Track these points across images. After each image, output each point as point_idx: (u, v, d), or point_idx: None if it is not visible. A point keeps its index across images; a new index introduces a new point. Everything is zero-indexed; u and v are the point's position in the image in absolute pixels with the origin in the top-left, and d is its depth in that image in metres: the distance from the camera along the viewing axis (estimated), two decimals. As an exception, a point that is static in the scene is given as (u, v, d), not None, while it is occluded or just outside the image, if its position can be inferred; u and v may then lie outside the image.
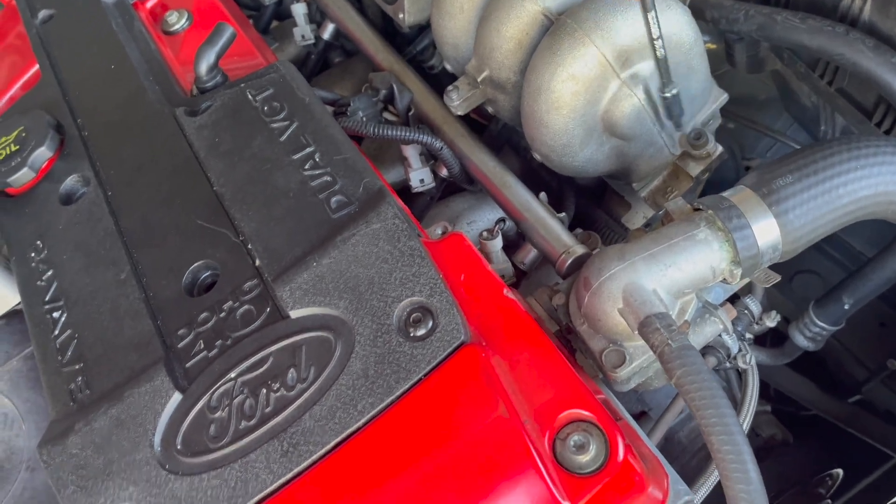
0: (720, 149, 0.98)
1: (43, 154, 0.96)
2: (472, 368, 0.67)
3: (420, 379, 0.67)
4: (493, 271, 0.74)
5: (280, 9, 1.48)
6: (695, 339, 0.87)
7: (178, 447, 0.70)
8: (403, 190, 1.13)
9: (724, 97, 1.01)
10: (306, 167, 0.83)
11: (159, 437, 0.71)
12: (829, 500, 1.18)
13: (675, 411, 1.01)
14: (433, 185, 1.08)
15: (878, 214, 0.80)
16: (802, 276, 1.49)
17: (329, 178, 0.81)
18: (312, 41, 1.33)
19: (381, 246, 0.73)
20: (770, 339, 1.42)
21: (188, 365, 0.74)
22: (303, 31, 1.32)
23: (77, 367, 0.78)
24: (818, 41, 0.90)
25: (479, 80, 0.99)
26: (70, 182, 0.94)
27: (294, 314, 0.73)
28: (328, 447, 0.66)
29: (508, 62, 0.95)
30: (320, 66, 1.39)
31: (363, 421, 0.67)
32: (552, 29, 0.89)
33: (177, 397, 0.72)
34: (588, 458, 0.65)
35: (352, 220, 0.77)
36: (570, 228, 1.08)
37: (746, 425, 0.88)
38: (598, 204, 1.17)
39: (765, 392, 1.47)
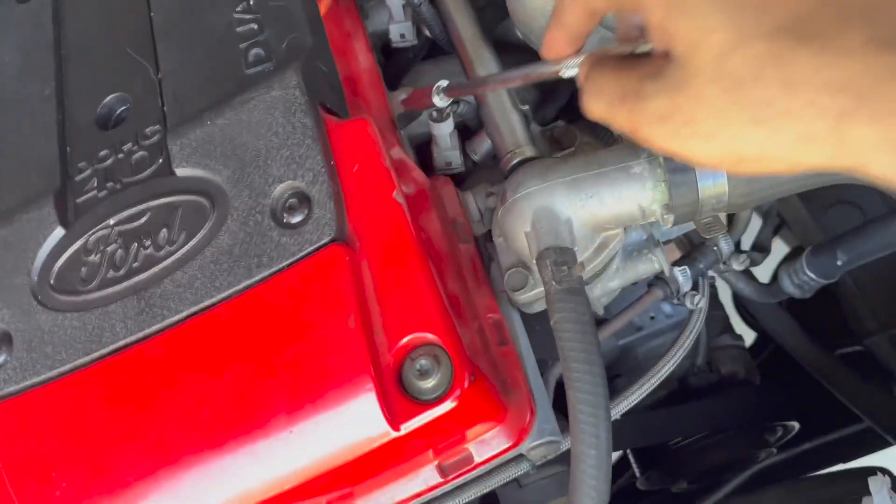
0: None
1: (7, -58, 0.91)
2: (332, 269, 0.63)
3: (280, 269, 0.64)
4: (389, 168, 0.68)
5: None
6: (626, 273, 0.80)
7: (52, 282, 0.71)
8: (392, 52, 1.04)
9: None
10: (238, 9, 0.76)
11: (38, 267, 0.71)
12: (774, 450, 1.13)
13: (624, 319, 0.95)
14: (415, 41, 0.98)
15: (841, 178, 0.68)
16: (842, 207, 1.34)
17: (255, 27, 0.74)
18: None
19: (275, 116, 0.68)
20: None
21: (79, 201, 0.73)
22: None
23: (-9, 176, 0.79)
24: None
25: (472, -69, 0.86)
26: (28, -24, 0.90)
27: (180, 172, 0.70)
28: (181, 315, 0.66)
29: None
30: None
31: (217, 299, 0.65)
32: None
33: (59, 232, 0.72)
34: (430, 384, 0.62)
35: (262, 80, 0.71)
36: (561, 118, 0.99)
37: (666, 371, 0.82)
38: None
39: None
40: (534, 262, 0.68)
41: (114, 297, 0.68)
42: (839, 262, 0.94)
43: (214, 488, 0.63)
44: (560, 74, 0.57)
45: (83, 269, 0.70)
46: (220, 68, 0.73)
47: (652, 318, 1.11)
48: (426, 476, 0.69)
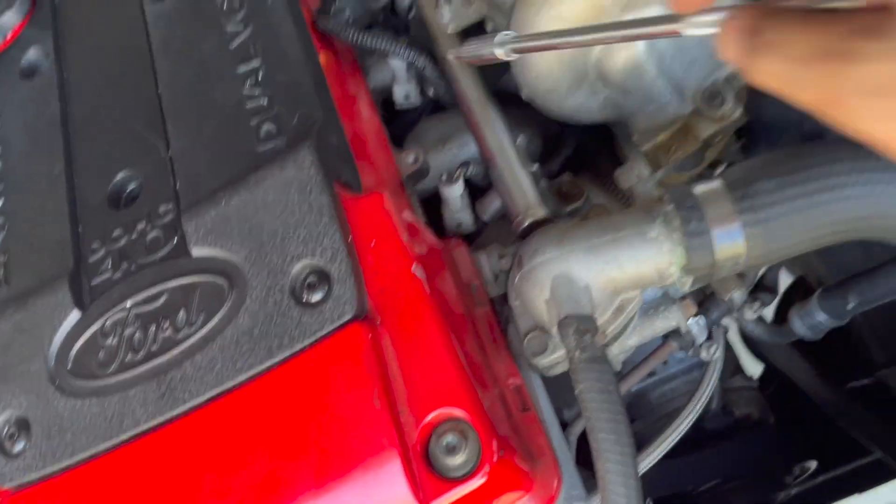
0: (738, 112, 0.85)
1: (10, 18, 0.92)
2: (355, 349, 0.63)
3: (302, 348, 0.64)
4: (406, 242, 0.68)
5: None
6: (643, 331, 0.80)
7: (69, 366, 0.70)
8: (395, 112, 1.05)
9: (757, 52, 0.86)
10: (247, 84, 0.76)
11: (54, 352, 0.71)
12: (792, 490, 1.12)
13: (643, 371, 0.95)
14: (419, 102, 0.99)
15: (874, 236, 0.69)
16: (849, 245, 1.34)
17: (266, 102, 0.75)
18: None
19: (291, 195, 0.68)
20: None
21: (94, 282, 0.72)
22: None
23: (2, 258, 0.78)
24: None
25: (473, -5, 0.88)
26: (32, 54, 0.90)
27: (196, 252, 0.70)
28: (201, 399, 0.65)
29: (506, -19, 0.83)
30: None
31: (239, 380, 0.65)
32: (547, -44, 0.76)
33: (75, 315, 0.71)
34: (458, 461, 0.61)
35: (275, 157, 0.71)
36: (567, 170, 0.99)
37: (687, 424, 0.82)
38: (606, 146, 1.06)
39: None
40: (553, 328, 0.68)
41: (133, 382, 0.67)
42: (850, 306, 0.94)
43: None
44: (690, 32, 0.43)
45: (101, 353, 0.69)
46: (231, 146, 0.73)
47: (665, 363, 1.10)
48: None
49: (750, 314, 0.89)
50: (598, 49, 0.78)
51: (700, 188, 0.68)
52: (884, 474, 1.27)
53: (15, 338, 0.72)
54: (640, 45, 0.77)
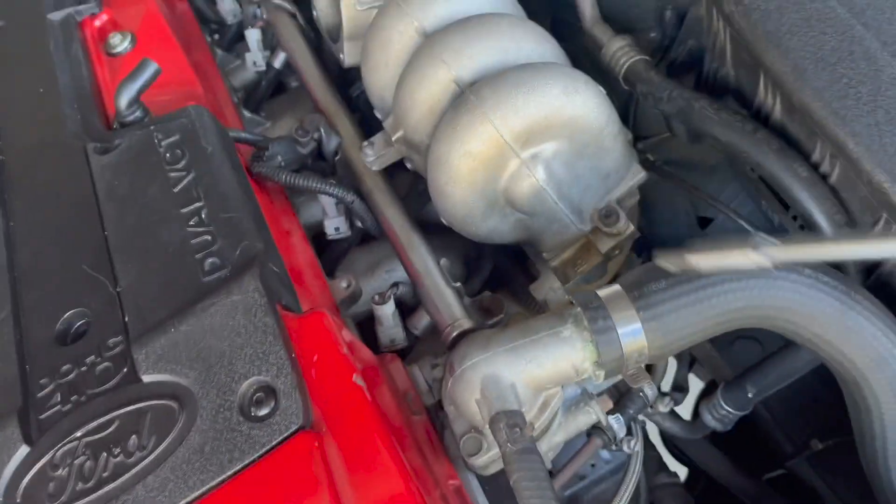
0: (631, 228, 0.97)
1: (-43, 175, 0.97)
2: (303, 457, 0.67)
3: (252, 461, 0.68)
4: (347, 355, 0.74)
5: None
6: (567, 428, 0.86)
7: (19, 501, 0.71)
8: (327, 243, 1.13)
9: (641, 175, 1.00)
10: (191, 223, 0.83)
11: (2, 487, 0.72)
12: (725, 582, 1.17)
13: (569, 472, 1.00)
14: (349, 233, 1.08)
15: (755, 324, 0.79)
16: (743, 343, 1.47)
17: (209, 238, 0.81)
18: (263, 68, 1.33)
19: (237, 319, 0.74)
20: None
21: (42, 417, 0.75)
22: (254, 57, 1.32)
23: (-55, 402, 0.79)
24: (728, 136, 0.89)
25: (393, 138, 0.99)
26: (-22, 207, 0.95)
27: (147, 378, 0.73)
28: (154, 521, 0.67)
29: (422, 126, 0.95)
30: (273, 91, 1.39)
31: (191, 497, 0.67)
32: (455, 103, 0.89)
33: (24, 450, 0.73)
34: (406, 558, 0.65)
35: (220, 286, 0.77)
36: (486, 288, 1.08)
37: (618, 515, 0.88)
38: (520, 264, 1.16)
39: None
40: (486, 426, 0.74)
41: (84, 511, 0.69)
42: (749, 395, 1.04)
43: None
44: None
45: (51, 485, 0.71)
46: (178, 279, 0.79)
47: (593, 465, 1.16)
48: None
49: (662, 407, 0.98)
50: (504, 178, 0.89)
51: (602, 291, 0.78)
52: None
53: (-40, 478, 0.73)
54: (540, 174, 0.89)
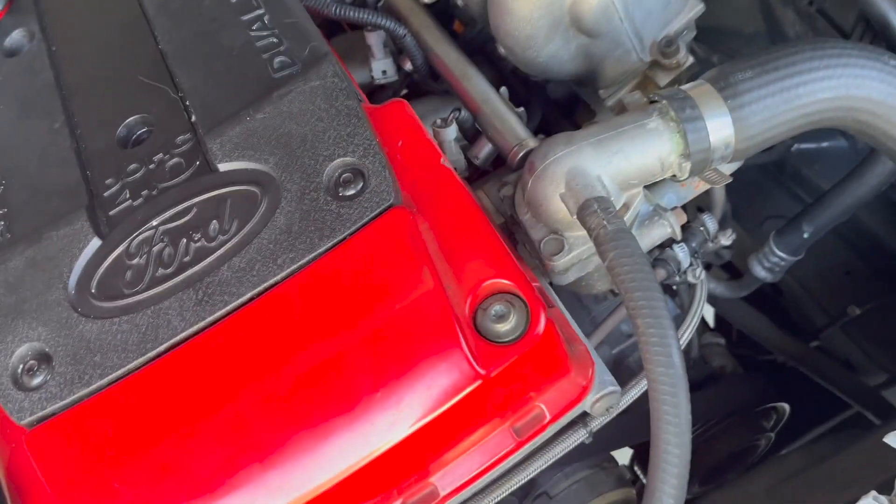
0: (691, 59, 0.95)
1: (-11, 6, 0.92)
2: (397, 231, 0.65)
3: (344, 238, 0.65)
4: (432, 140, 0.71)
5: None
6: (642, 241, 0.85)
7: (93, 291, 0.68)
8: (372, 92, 1.10)
9: (699, 7, 0.97)
10: (254, 28, 0.80)
11: (74, 280, 0.69)
12: (772, 435, 1.17)
13: (617, 318, 0.98)
14: (396, 77, 1.04)
15: (836, 121, 0.78)
16: (773, 221, 1.47)
17: (275, 40, 0.78)
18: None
19: (317, 103, 0.70)
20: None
21: (112, 213, 0.71)
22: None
23: (1, 212, 0.76)
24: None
25: (448, -36, 0.95)
26: (16, 35, 0.90)
27: (223, 167, 0.70)
28: (243, 299, 0.65)
29: (478, -55, 0.92)
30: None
31: (281, 276, 0.65)
32: None
33: (95, 242, 0.70)
34: (507, 327, 0.63)
35: (293, 79, 0.74)
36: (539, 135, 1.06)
37: (687, 337, 0.87)
38: (568, 117, 1.14)
39: (725, 331, 1.47)
40: (573, 218, 0.72)
41: (167, 294, 0.66)
42: (805, 235, 1.04)
43: (308, 469, 0.60)
44: None
45: (128, 274, 0.68)
46: (246, 77, 0.76)
47: (640, 323, 1.15)
48: (500, 440, 0.68)
49: (724, 239, 0.97)
50: (572, -8, 0.86)
51: (685, 86, 0.76)
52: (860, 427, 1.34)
53: (28, 273, 0.69)
54: (610, -14, 0.86)
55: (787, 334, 1.23)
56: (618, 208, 0.77)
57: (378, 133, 0.70)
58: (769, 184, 1.45)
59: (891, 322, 1.29)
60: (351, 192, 0.67)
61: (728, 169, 0.88)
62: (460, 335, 0.62)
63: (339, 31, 1.27)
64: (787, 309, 1.49)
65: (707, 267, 1.17)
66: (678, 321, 0.93)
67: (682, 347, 0.88)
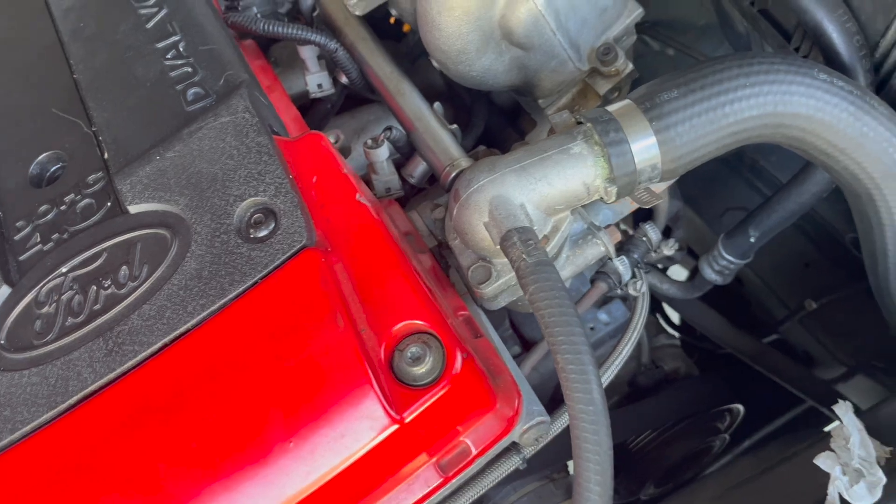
0: (630, 66, 0.93)
1: None
2: (310, 273, 0.64)
3: (255, 282, 0.64)
4: (349, 174, 0.69)
5: None
6: (576, 261, 0.84)
7: (2, 342, 0.66)
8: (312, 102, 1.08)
9: (638, 11, 0.95)
10: (168, 56, 0.77)
11: (-16, 331, 0.67)
12: (727, 436, 1.17)
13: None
14: (332, 90, 1.02)
15: (766, 138, 0.76)
16: (733, 213, 1.46)
17: (190, 70, 0.76)
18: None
19: (227, 141, 0.69)
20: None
21: (22, 258, 0.70)
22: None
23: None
24: (732, -49, 0.85)
25: (378, -23, 0.93)
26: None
27: (133, 209, 0.69)
28: (153, 348, 0.63)
29: (407, -42, 0.89)
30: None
31: (192, 323, 0.63)
32: (445, -79, 0.83)
33: (4, 290, 0.68)
34: (424, 369, 0.62)
35: (205, 113, 0.72)
36: (480, 145, 1.04)
37: (628, 350, 0.86)
38: (512, 124, 1.12)
39: (681, 326, 1.46)
40: (497, 247, 0.71)
41: (76, 344, 0.64)
42: (752, 239, 1.02)
43: (217, 519, 0.59)
44: None
45: (38, 323, 0.66)
46: (159, 111, 0.74)
47: (591, 328, 1.15)
48: (427, 477, 0.68)
49: (667, 250, 0.95)
50: (501, 4, 0.84)
51: (611, 107, 0.75)
52: (813, 422, 1.34)
53: (-64, 325, 0.68)
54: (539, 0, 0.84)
55: (741, 332, 1.23)
56: (545, 233, 0.76)
57: (293, 168, 0.69)
58: (728, 175, 1.44)
59: (847, 315, 1.29)
60: (262, 233, 0.65)
61: (661, 187, 0.87)
62: (373, 380, 0.61)
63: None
64: (749, 301, 1.49)
65: (670, 260, 1.16)
66: (625, 328, 0.92)
67: (627, 356, 0.88)
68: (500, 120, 1.11)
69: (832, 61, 0.82)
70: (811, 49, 0.92)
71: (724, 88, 0.73)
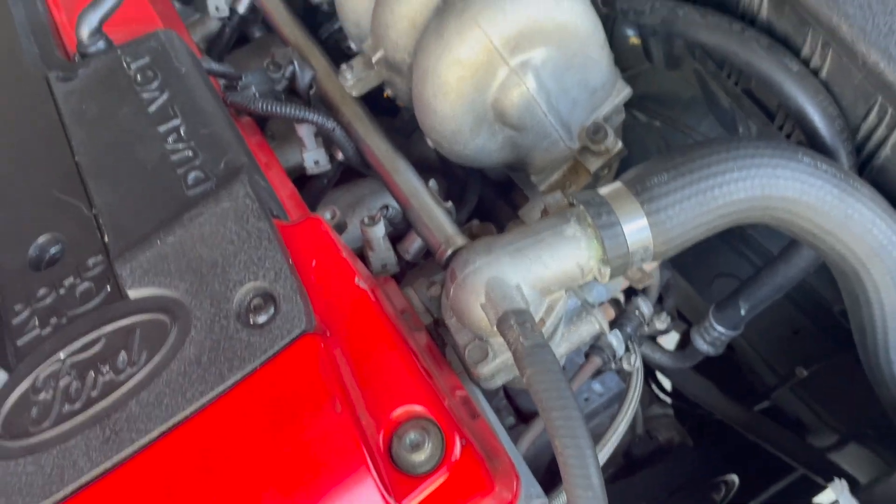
0: (620, 145, 0.95)
1: None
2: (308, 359, 0.64)
3: (254, 368, 0.64)
4: (348, 258, 0.70)
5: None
6: (570, 339, 0.85)
7: (-2, 430, 0.66)
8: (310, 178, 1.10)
9: (626, 91, 0.98)
10: (169, 140, 0.79)
11: (-21, 418, 0.67)
12: (723, 505, 1.17)
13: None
14: (328, 167, 1.04)
15: (755, 219, 0.78)
16: (722, 280, 1.47)
17: (190, 153, 0.77)
18: (227, 14, 1.28)
19: (228, 226, 0.70)
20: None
21: (20, 343, 0.70)
22: (216, 2, 1.27)
23: None
24: (715, 38, 0.88)
25: (374, 60, 0.96)
26: (-68, 143, 0.89)
27: (133, 294, 0.69)
28: (151, 436, 0.63)
29: (402, 42, 0.92)
30: (236, 41, 1.34)
31: (190, 410, 0.63)
32: (440, 9, 0.86)
33: (2, 376, 0.68)
34: (423, 457, 0.62)
35: (206, 198, 0.73)
36: (474, 219, 1.06)
37: (623, 428, 0.86)
38: (505, 197, 1.14)
39: (674, 391, 1.47)
40: (493, 328, 0.71)
41: (73, 432, 0.64)
42: (742, 312, 1.04)
43: None
44: None
45: (34, 410, 0.66)
46: (160, 195, 0.75)
47: (586, 399, 1.15)
48: (426, 565, 0.67)
49: (660, 324, 0.97)
50: (494, 88, 0.86)
51: (603, 189, 0.76)
52: (805, 490, 1.34)
53: (-69, 411, 0.67)
54: (531, 83, 0.86)
55: (733, 402, 1.23)
56: (540, 314, 0.77)
57: (292, 253, 0.70)
58: (718, 243, 1.46)
59: (838, 382, 1.30)
60: (262, 318, 0.66)
61: (652, 265, 0.89)
62: (371, 468, 0.60)
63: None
64: (740, 368, 1.49)
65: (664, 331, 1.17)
66: (620, 398, 0.93)
67: (624, 429, 0.88)
68: (492, 193, 1.14)
69: (815, 143, 0.85)
70: (794, 128, 0.95)
71: (713, 172, 0.75)
